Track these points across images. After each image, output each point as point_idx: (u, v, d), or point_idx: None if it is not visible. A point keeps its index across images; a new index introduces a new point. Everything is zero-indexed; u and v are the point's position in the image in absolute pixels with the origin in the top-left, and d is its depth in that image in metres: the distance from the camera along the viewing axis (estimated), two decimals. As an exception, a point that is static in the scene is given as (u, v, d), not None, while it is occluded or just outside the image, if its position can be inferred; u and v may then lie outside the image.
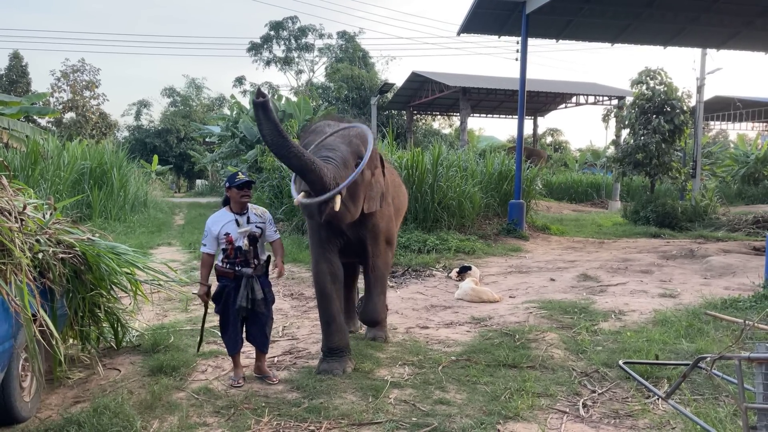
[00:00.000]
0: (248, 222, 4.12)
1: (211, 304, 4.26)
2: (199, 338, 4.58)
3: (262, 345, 4.24)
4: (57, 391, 3.98)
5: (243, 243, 4.08)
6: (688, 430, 3.22)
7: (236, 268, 4.08)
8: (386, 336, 5.17)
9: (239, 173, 4.16)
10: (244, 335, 4.23)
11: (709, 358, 2.92)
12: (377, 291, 4.84)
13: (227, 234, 4.07)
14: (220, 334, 4.34)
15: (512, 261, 9.96)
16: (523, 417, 3.56)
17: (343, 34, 39.91)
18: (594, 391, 4.00)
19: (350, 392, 3.99)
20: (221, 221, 4.13)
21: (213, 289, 4.22)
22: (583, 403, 3.78)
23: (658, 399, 3.71)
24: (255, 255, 4.14)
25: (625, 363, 4.18)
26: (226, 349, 4.34)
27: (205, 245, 4.17)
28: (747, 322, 2.79)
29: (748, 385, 3.00)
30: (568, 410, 3.70)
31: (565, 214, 19.12)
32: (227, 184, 4.15)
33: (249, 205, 4.19)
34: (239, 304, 4.03)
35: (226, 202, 4.23)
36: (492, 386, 4.05)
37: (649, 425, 3.46)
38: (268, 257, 4.29)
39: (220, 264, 4.14)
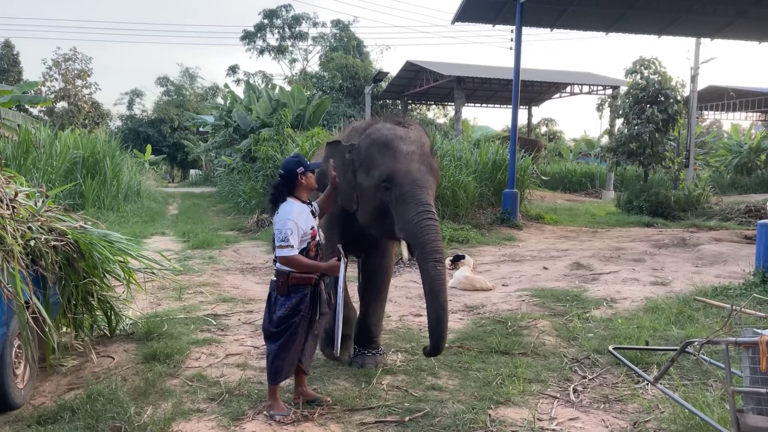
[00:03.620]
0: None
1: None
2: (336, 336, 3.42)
3: (310, 364, 3.66)
4: (51, 378, 3.99)
5: (322, 237, 3.56)
6: (677, 414, 3.26)
7: None
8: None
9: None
10: None
11: (696, 343, 2.95)
12: (383, 296, 4.43)
13: (313, 228, 3.44)
14: (273, 354, 3.38)
15: (506, 250, 10.00)
16: (514, 402, 3.60)
17: (337, 23, 39.67)
18: (585, 377, 4.04)
19: (343, 378, 4.02)
20: (303, 213, 3.41)
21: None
22: (573, 389, 3.83)
23: (647, 384, 3.76)
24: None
25: (615, 349, 4.20)
26: (268, 376, 3.43)
27: (292, 246, 3.29)
28: (734, 307, 2.83)
29: (736, 369, 3.04)
30: (558, 395, 3.74)
31: (559, 203, 19.17)
32: (300, 169, 3.40)
33: None
34: (322, 313, 3.43)
35: (290, 191, 3.44)
36: (484, 372, 4.08)
37: (638, 409, 3.51)
38: None
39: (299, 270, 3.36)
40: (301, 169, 3.42)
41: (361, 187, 3.76)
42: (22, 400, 3.54)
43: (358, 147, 3.81)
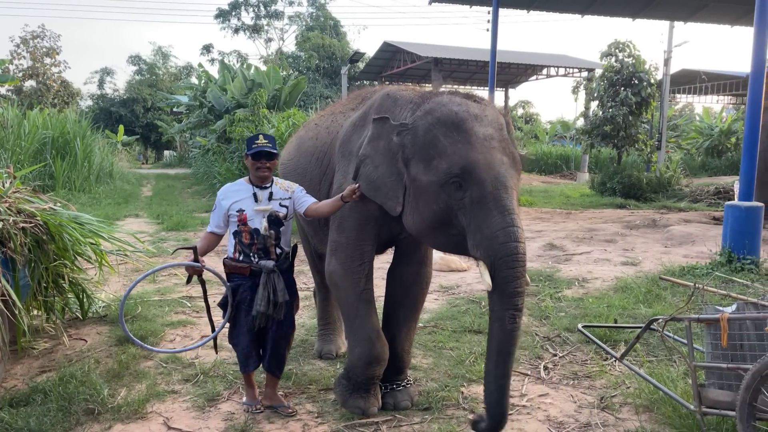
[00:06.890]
0: (270, 198, 3.21)
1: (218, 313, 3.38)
2: (212, 339, 3.35)
3: (274, 367, 3.28)
4: (22, 361, 3.95)
5: (261, 225, 3.17)
6: (642, 389, 3.37)
7: (253, 260, 3.19)
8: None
9: (260, 136, 3.22)
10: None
11: (660, 320, 3.04)
12: (418, 315, 3.73)
13: (240, 211, 3.16)
14: (230, 344, 3.36)
15: (481, 231, 10.06)
16: (486, 380, 3.66)
17: (313, 2, 39.13)
18: (555, 355, 4.14)
19: (318, 359, 4.05)
20: (235, 194, 3.21)
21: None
22: (544, 366, 3.92)
23: (614, 360, 3.86)
24: (277, 242, 3.22)
25: (584, 327, 4.30)
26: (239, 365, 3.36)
27: (210, 224, 3.29)
28: (697, 285, 2.92)
29: (698, 346, 3.14)
30: (529, 372, 3.83)
31: (534, 185, 19.36)
32: (246, 151, 3.22)
33: (274, 177, 3.32)
34: (257, 309, 3.10)
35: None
36: (457, 351, 4.15)
37: (606, 385, 3.61)
38: (294, 247, 3.41)
39: (232, 256, 3.24)
40: (246, 151, 3.24)
41: (417, 183, 2.83)
42: (-8, 383, 3.50)
43: (412, 128, 2.86)
